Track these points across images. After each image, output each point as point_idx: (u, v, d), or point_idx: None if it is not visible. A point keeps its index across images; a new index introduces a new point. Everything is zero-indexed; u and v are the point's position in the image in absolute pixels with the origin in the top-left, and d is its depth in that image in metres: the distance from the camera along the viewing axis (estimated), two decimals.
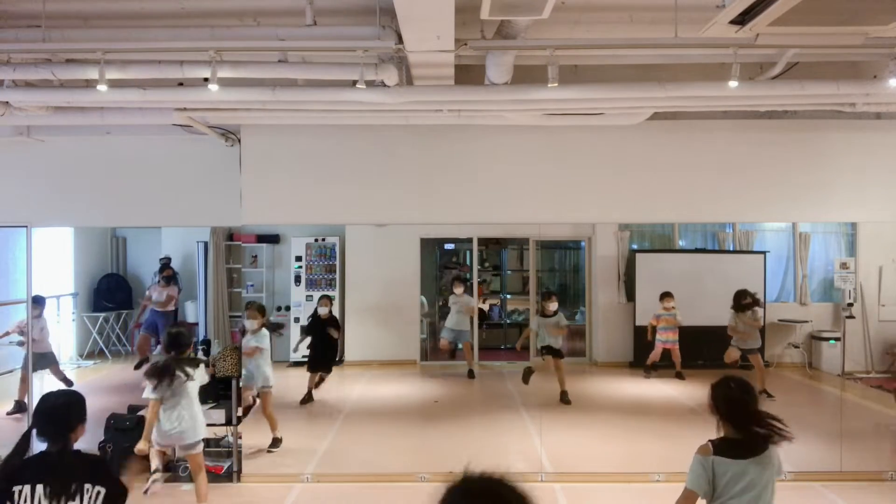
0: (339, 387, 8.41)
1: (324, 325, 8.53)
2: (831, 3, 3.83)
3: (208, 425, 6.15)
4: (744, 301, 8.26)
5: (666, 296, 9.32)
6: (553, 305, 8.37)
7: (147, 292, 10.14)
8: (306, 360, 8.65)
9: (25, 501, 2.63)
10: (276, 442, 6.62)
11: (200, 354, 6.29)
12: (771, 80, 5.33)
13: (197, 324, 11.42)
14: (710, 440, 3.02)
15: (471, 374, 9.78)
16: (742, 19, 3.99)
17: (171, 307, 9.93)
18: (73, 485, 2.67)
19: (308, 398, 8.39)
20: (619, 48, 4.97)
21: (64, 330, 10.56)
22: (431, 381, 9.75)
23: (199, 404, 5.01)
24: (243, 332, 6.65)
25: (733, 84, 4.74)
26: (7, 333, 7.71)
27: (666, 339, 9.37)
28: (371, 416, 8.00)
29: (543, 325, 8.32)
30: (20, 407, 7.88)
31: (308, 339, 8.62)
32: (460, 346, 9.91)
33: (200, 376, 5.02)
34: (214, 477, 5.91)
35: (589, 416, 7.77)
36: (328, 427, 7.42)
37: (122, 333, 11.68)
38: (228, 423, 6.04)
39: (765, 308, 9.46)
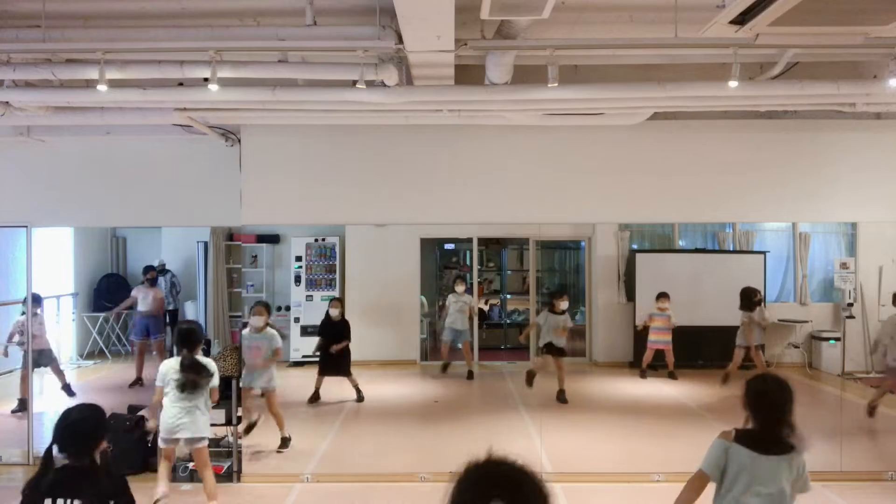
0: (339, 387, 8.40)
1: (335, 328, 8.46)
2: (831, 3, 3.83)
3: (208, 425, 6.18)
4: (755, 298, 8.29)
5: (661, 296, 9.32)
6: (564, 304, 8.34)
7: (132, 293, 9.95)
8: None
9: None
10: (284, 442, 6.61)
11: (201, 354, 6.28)
12: (771, 80, 5.33)
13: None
14: (735, 427, 2.97)
15: (469, 376, 9.75)
16: (742, 19, 3.99)
17: (157, 310, 9.75)
18: (111, 501, 2.71)
19: (316, 397, 8.39)
20: (619, 48, 4.97)
21: (64, 330, 10.56)
22: (431, 381, 9.74)
23: (207, 401, 5.02)
24: (244, 326, 6.65)
25: (733, 84, 4.74)
26: (11, 336, 7.75)
27: (657, 339, 9.38)
28: (371, 416, 8.01)
29: (550, 322, 8.30)
30: (23, 405, 7.91)
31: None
32: (459, 345, 9.88)
33: (216, 375, 5.05)
34: (215, 477, 5.91)
35: (589, 416, 7.77)
36: (328, 427, 7.42)
37: (122, 333, 11.68)
38: (228, 423, 6.04)
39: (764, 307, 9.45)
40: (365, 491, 5.71)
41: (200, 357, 5.04)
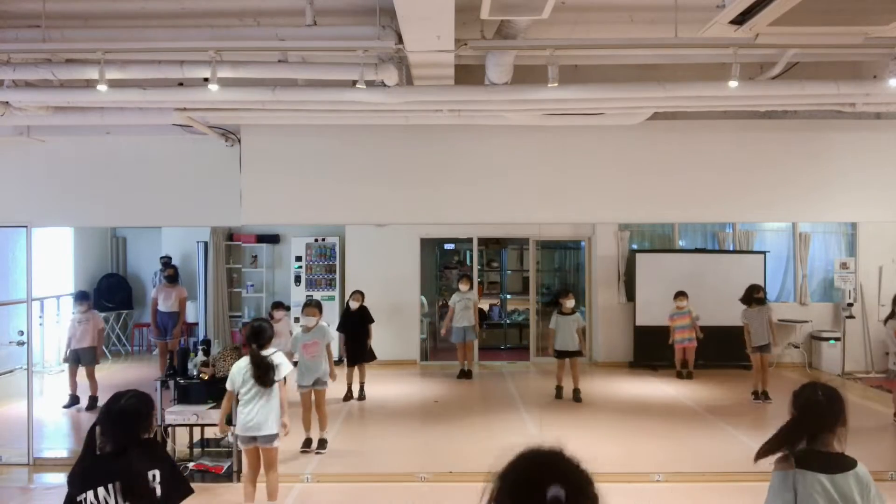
0: (339, 387, 8.40)
1: (355, 317, 8.62)
2: (831, 3, 3.83)
3: (209, 425, 6.18)
4: (755, 294, 8.26)
5: (679, 295, 9.33)
6: (570, 302, 8.36)
7: (153, 295, 9.92)
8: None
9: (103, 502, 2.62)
10: (323, 443, 6.59)
11: (201, 355, 6.28)
12: (771, 80, 5.33)
13: (197, 324, 11.42)
14: (786, 451, 2.60)
15: (468, 375, 9.73)
16: (742, 19, 3.99)
17: (177, 307, 9.71)
18: (144, 483, 2.67)
19: (350, 395, 8.49)
20: (619, 48, 4.97)
21: (64, 330, 10.55)
22: (432, 381, 9.74)
23: (277, 398, 4.96)
24: (305, 331, 6.62)
25: (733, 84, 4.75)
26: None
27: (682, 338, 9.39)
28: (371, 416, 8.01)
29: (563, 325, 8.32)
30: (74, 400, 8.12)
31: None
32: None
33: (286, 369, 5.02)
34: (214, 477, 5.91)
35: (589, 416, 7.77)
36: (328, 427, 7.42)
37: (122, 333, 11.68)
38: (228, 423, 6.04)
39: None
40: (365, 491, 5.71)
41: (269, 351, 5.00)
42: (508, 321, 12.71)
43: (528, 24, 4.45)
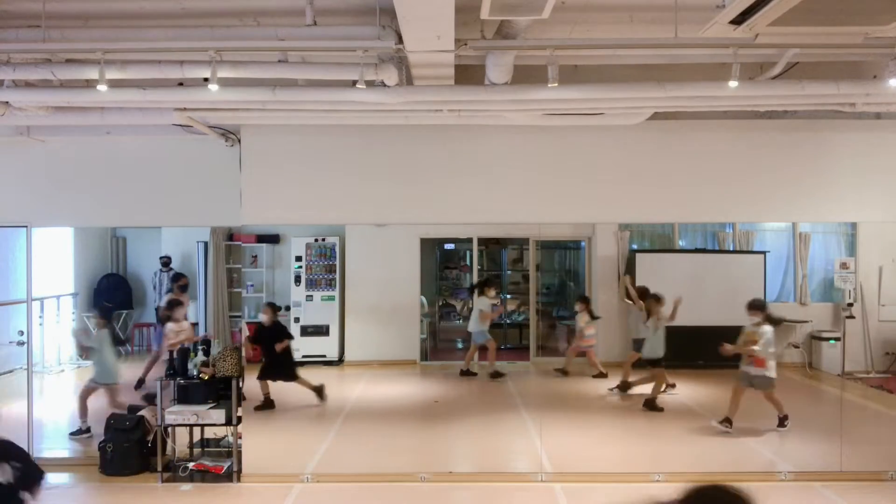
0: (339, 387, 8.40)
1: (267, 333, 8.21)
2: (831, 3, 3.83)
3: (209, 425, 6.17)
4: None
5: (579, 300, 9.72)
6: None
7: (162, 304, 9.74)
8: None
9: None
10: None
11: (201, 355, 6.28)
12: (771, 80, 5.33)
13: (197, 323, 11.42)
14: None
15: (470, 373, 9.73)
16: (742, 19, 3.99)
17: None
18: None
19: (267, 404, 8.07)
20: (619, 48, 4.97)
21: (64, 330, 10.55)
22: (432, 381, 9.74)
23: None
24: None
25: (733, 84, 4.74)
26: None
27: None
28: (371, 416, 8.00)
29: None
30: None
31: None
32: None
33: None
34: (215, 477, 5.92)
35: (589, 416, 7.77)
36: (328, 427, 7.42)
37: (121, 333, 11.66)
38: (228, 422, 6.04)
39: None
40: (365, 491, 5.71)
41: None
42: (508, 321, 12.70)
43: (528, 24, 4.45)
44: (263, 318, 8.33)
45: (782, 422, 7.10)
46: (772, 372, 7.02)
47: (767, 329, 7.11)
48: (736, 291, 8.52)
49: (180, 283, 9.81)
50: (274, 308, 8.50)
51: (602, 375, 9.19)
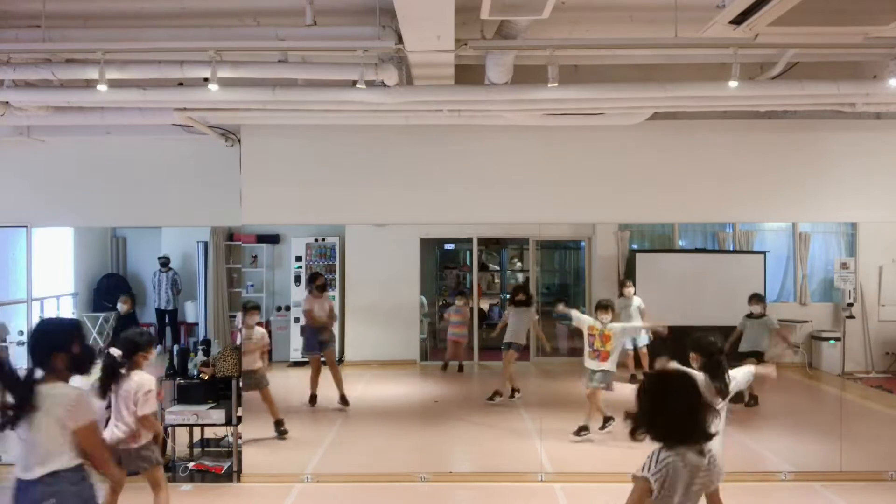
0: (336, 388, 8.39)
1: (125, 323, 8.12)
2: (831, 3, 3.83)
3: (209, 425, 6.18)
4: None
5: (457, 294, 9.77)
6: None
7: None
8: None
9: None
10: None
11: (201, 355, 6.28)
12: (771, 80, 5.33)
13: (197, 323, 11.43)
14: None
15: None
16: (742, 19, 3.99)
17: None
18: None
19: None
20: (619, 48, 4.97)
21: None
22: (431, 381, 9.74)
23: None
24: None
25: (733, 84, 4.74)
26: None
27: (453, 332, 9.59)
28: (371, 416, 8.00)
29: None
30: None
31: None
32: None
33: None
34: (215, 477, 5.92)
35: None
36: (328, 427, 7.42)
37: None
38: (228, 423, 6.04)
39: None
40: (365, 491, 5.71)
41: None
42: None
43: (528, 24, 4.45)
44: (123, 307, 8.56)
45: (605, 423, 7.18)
46: (613, 366, 7.17)
47: (617, 325, 7.42)
48: (736, 291, 8.51)
49: (318, 282, 8.89)
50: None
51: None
